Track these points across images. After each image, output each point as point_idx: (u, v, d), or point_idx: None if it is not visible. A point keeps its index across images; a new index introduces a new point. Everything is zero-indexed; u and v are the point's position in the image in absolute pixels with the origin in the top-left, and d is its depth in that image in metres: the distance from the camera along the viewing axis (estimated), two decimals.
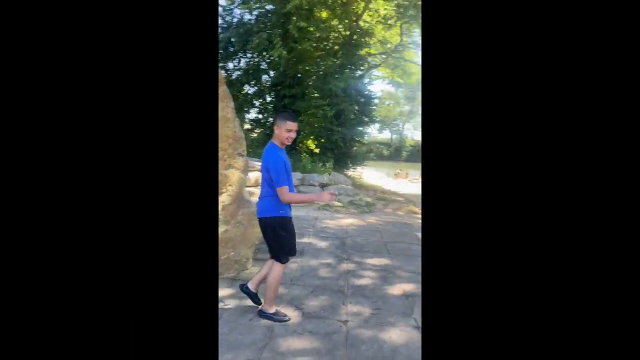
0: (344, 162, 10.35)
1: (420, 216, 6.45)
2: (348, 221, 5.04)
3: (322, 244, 3.84)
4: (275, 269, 2.10)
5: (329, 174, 8.02)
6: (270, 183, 2.04)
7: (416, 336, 2.03)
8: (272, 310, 2.14)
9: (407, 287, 2.76)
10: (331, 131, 9.49)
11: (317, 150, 9.84)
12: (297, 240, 3.89)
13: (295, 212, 5.54)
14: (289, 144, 2.10)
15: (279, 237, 2.07)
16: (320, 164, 8.64)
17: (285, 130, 2.04)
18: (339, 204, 6.55)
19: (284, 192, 1.99)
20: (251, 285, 2.24)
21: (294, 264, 3.13)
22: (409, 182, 14.96)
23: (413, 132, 40.02)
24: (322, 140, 9.84)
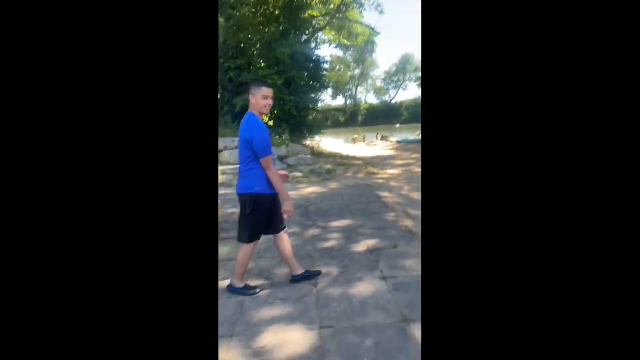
0: (301, 132, 10.22)
1: (379, 176, 6.65)
2: (310, 190, 5.06)
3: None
4: (242, 248, 2.06)
5: (287, 146, 7.90)
6: (251, 156, 1.91)
7: (383, 286, 2.13)
8: (241, 284, 2.12)
9: (371, 242, 2.87)
10: (283, 101, 9.22)
11: (271, 123, 9.56)
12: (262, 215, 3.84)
13: None
14: (267, 112, 1.98)
15: (256, 215, 1.99)
16: (277, 137, 8.45)
17: (262, 98, 1.91)
18: (300, 174, 6.53)
19: (270, 162, 1.88)
20: (295, 272, 2.20)
21: None
22: (366, 146, 15.27)
23: (366, 96, 40.36)
24: (275, 111, 9.56)
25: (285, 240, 2.16)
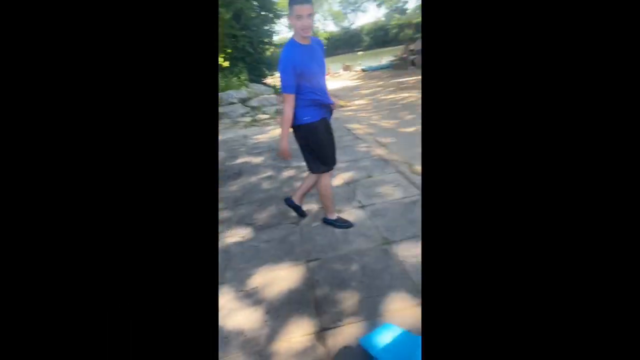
0: (259, 70, 9.56)
1: (347, 108, 6.52)
2: (278, 131, 4.90)
3: (257, 159, 3.74)
4: (319, 180, 1.99)
5: (246, 87, 7.42)
6: None
7: (362, 214, 2.21)
8: (333, 217, 2.13)
9: (346, 175, 2.91)
10: (235, 37, 8.40)
11: (226, 64, 8.81)
12: (231, 162, 3.73)
13: (224, 135, 5.21)
14: (307, 34, 1.63)
15: (308, 146, 1.86)
16: (234, 78, 7.87)
17: (295, 18, 1.58)
18: (266, 116, 6.27)
19: (287, 99, 1.70)
20: (295, 199, 2.18)
21: (233, 186, 3.05)
22: (331, 78, 14.68)
23: (324, 24, 37.60)
24: (229, 50, 8.75)
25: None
